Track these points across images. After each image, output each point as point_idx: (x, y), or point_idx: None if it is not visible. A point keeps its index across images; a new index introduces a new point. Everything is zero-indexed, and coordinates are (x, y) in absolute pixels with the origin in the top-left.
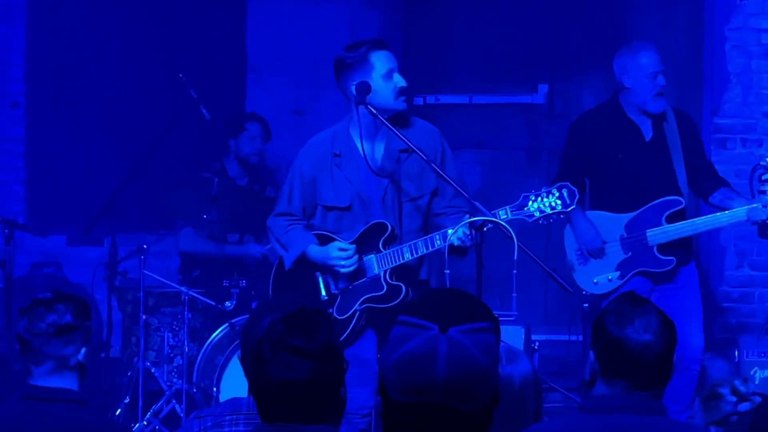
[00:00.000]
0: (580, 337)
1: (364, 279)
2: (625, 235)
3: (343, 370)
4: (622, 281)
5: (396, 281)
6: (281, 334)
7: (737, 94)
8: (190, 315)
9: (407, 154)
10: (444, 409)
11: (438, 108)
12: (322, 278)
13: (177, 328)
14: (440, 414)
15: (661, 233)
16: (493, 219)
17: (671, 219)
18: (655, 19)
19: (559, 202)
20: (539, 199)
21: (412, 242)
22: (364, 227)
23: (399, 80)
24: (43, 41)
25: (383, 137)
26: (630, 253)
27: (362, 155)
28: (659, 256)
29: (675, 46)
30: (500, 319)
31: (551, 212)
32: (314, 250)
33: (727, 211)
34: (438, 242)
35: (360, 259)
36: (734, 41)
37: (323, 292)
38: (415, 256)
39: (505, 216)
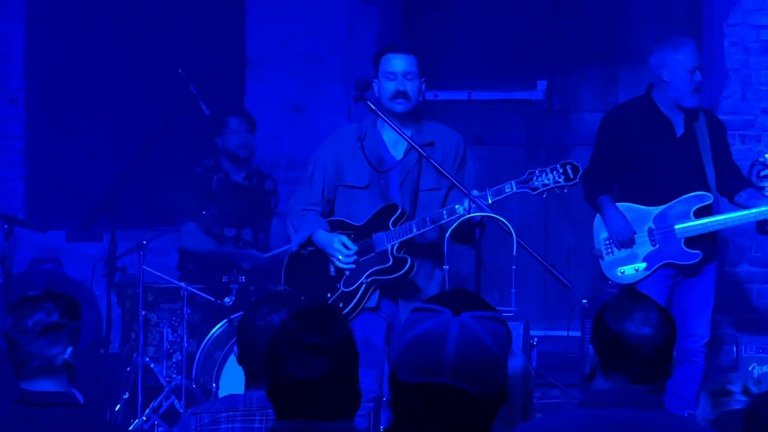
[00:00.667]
0: (579, 333)
1: (372, 254)
2: (654, 228)
3: (358, 363)
4: (648, 272)
5: (402, 254)
6: (297, 332)
7: (736, 91)
8: (189, 310)
9: (431, 148)
10: (452, 391)
11: (437, 104)
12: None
13: (176, 324)
14: (449, 395)
15: (689, 227)
16: (493, 215)
17: (699, 214)
18: (654, 15)
19: (562, 176)
20: (543, 174)
21: (419, 218)
22: (378, 208)
23: (400, 84)
24: (42, 37)
25: (407, 130)
26: (657, 245)
27: (385, 143)
28: (686, 249)
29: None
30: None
31: (554, 186)
32: (320, 235)
33: (754, 209)
34: (445, 216)
35: (369, 237)
36: (733, 37)
37: (332, 268)
38: (422, 229)
39: (510, 189)
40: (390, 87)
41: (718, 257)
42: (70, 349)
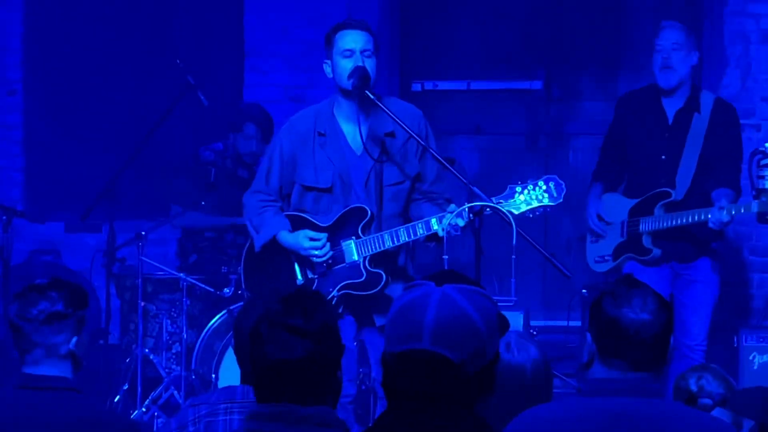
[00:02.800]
0: (579, 323)
1: (343, 264)
2: (626, 220)
3: (341, 352)
4: (614, 263)
5: (375, 268)
6: (279, 313)
7: (735, 79)
8: (188, 301)
9: (391, 138)
10: (432, 357)
11: (436, 94)
12: (298, 262)
13: (175, 315)
14: (429, 362)
15: (651, 221)
16: (493, 204)
17: (666, 209)
18: (654, 2)
19: (546, 195)
20: (526, 191)
21: (393, 230)
22: (343, 210)
23: (358, 61)
24: (40, 27)
25: (367, 120)
26: (625, 238)
27: (346, 137)
28: (645, 245)
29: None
30: (499, 304)
31: (537, 205)
32: (285, 236)
33: (697, 210)
34: (420, 230)
35: (337, 244)
36: (733, 26)
37: (299, 277)
38: (396, 244)
39: (489, 210)
40: (347, 65)
41: (719, 250)
42: (74, 339)
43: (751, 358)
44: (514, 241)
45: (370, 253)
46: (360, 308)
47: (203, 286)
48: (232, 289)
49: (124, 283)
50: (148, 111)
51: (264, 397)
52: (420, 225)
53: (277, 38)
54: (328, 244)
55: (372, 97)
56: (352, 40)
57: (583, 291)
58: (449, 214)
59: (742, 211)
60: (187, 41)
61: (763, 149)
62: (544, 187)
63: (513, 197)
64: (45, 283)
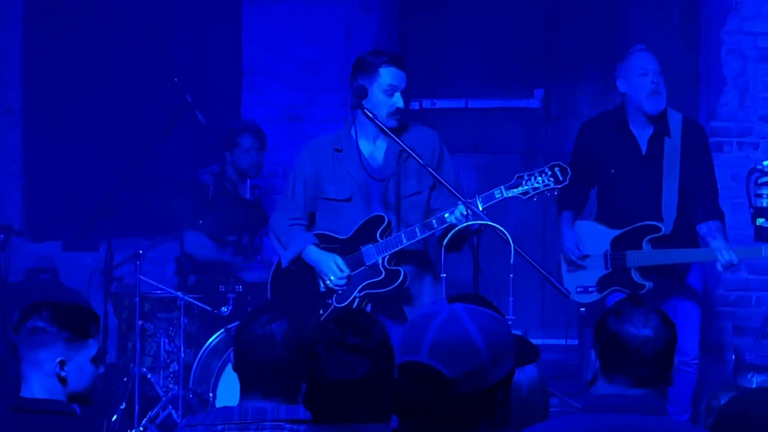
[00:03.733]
0: (577, 341)
1: (363, 267)
2: (609, 251)
3: (395, 367)
4: (600, 295)
5: (394, 266)
6: (336, 333)
7: (733, 98)
8: (186, 320)
9: (407, 154)
10: (427, 370)
11: (434, 112)
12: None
13: (173, 334)
14: (423, 374)
15: (638, 257)
16: (490, 223)
17: (653, 243)
18: (651, 22)
19: (552, 179)
20: (532, 178)
21: (409, 228)
22: (363, 220)
23: (398, 100)
24: (39, 46)
25: (383, 139)
26: (610, 270)
27: (363, 153)
28: (635, 278)
29: (670, 49)
30: None
31: (544, 189)
32: (312, 251)
33: (697, 250)
34: (435, 224)
35: (357, 250)
36: (730, 44)
37: (322, 284)
38: (412, 240)
39: (500, 195)
40: (389, 102)
41: (713, 265)
42: (60, 361)
43: (749, 376)
44: (512, 260)
45: (388, 252)
46: (388, 305)
47: (201, 305)
48: (230, 307)
49: (122, 301)
50: (145, 130)
51: (323, 418)
52: (433, 219)
53: (275, 57)
54: (345, 280)
55: (371, 115)
56: (399, 78)
57: (581, 309)
58: (461, 206)
59: (750, 255)
60: (185, 60)
61: (761, 167)
62: (549, 173)
63: (520, 184)
64: (43, 300)
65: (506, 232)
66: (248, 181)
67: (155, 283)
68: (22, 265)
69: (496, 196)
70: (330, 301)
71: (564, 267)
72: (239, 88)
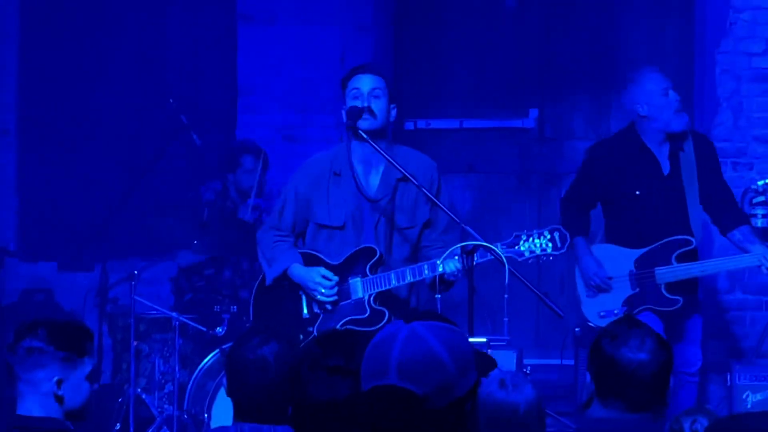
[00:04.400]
0: (572, 362)
1: (348, 301)
2: (634, 271)
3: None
4: None
5: (379, 306)
6: (319, 354)
7: (728, 118)
8: (181, 341)
9: (405, 183)
10: (398, 391)
11: (429, 132)
12: (306, 296)
13: (168, 354)
14: (395, 396)
15: (670, 272)
16: (485, 244)
17: (681, 258)
18: (645, 43)
19: (550, 244)
20: (530, 239)
21: (399, 269)
22: (353, 250)
23: (365, 101)
24: (34, 68)
25: (381, 163)
26: (638, 289)
27: (359, 178)
28: (666, 294)
29: (665, 69)
30: (492, 343)
31: (541, 254)
32: (297, 269)
33: (737, 257)
34: (426, 272)
35: (345, 281)
36: (724, 65)
37: (305, 310)
38: (401, 282)
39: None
40: (355, 104)
41: (711, 283)
42: (58, 380)
43: (744, 396)
44: (506, 281)
45: (376, 290)
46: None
47: (196, 325)
48: (225, 328)
49: (117, 322)
50: (141, 150)
51: None
52: (425, 266)
53: (270, 78)
54: (336, 288)
55: (365, 136)
56: (362, 82)
57: (576, 330)
58: (455, 257)
59: None
60: (181, 81)
61: (756, 187)
62: (549, 236)
63: (518, 243)
64: (38, 320)
65: (501, 253)
66: (249, 201)
67: (150, 304)
68: (17, 286)
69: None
70: (311, 329)
71: (583, 293)
72: (234, 108)
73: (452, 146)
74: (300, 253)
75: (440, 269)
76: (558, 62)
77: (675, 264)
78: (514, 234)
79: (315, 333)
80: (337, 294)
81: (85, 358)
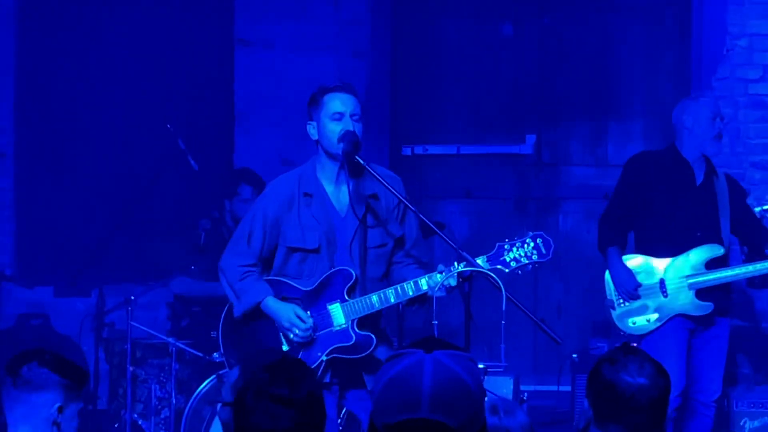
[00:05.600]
0: (570, 388)
1: (329, 329)
2: (665, 279)
3: (324, 420)
4: (659, 323)
5: (364, 331)
6: (265, 382)
7: (725, 144)
8: (177, 366)
9: (375, 200)
10: (431, 425)
11: (426, 158)
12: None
13: (164, 380)
14: (430, 429)
15: (701, 279)
16: (481, 269)
17: (711, 266)
18: (643, 69)
19: (534, 252)
20: (515, 248)
21: (381, 291)
22: (326, 273)
23: (347, 125)
24: (31, 92)
25: (346, 180)
26: (669, 297)
27: (330, 198)
28: (698, 301)
29: (662, 96)
30: (489, 369)
31: (527, 262)
32: (271, 303)
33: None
34: (410, 291)
35: (323, 308)
36: (721, 91)
37: (284, 342)
38: (384, 305)
39: (480, 266)
40: (336, 128)
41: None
42: (59, 407)
43: (742, 423)
44: (503, 306)
45: (358, 315)
46: (348, 372)
47: (192, 351)
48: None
49: (113, 347)
50: (138, 175)
51: None
52: (409, 285)
53: (267, 103)
54: (311, 331)
55: (362, 162)
56: (342, 103)
57: (574, 356)
58: (439, 275)
59: None
60: (178, 105)
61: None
62: (532, 244)
63: (502, 255)
64: (43, 348)
65: (498, 279)
66: None
67: (146, 329)
68: (14, 311)
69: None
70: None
71: (614, 302)
72: (232, 133)
73: (449, 172)
74: (267, 280)
75: (424, 288)
76: (555, 88)
77: (706, 271)
78: (497, 245)
79: None
80: (314, 323)
81: (81, 392)
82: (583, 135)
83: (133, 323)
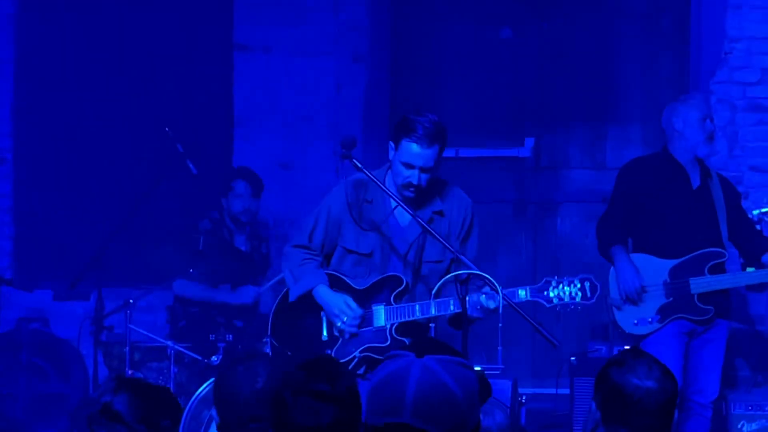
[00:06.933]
0: (568, 391)
1: (369, 328)
2: (669, 281)
3: (361, 415)
4: (660, 325)
5: (401, 336)
6: (303, 379)
7: (723, 147)
8: (176, 369)
9: (439, 216)
10: (414, 431)
11: None
12: (327, 319)
13: (163, 383)
14: None
15: (703, 283)
16: (479, 273)
17: (713, 270)
18: (641, 72)
19: (579, 293)
20: (560, 286)
21: (425, 302)
22: (380, 276)
23: (414, 178)
24: (30, 96)
25: (419, 196)
26: (671, 299)
27: (391, 212)
28: (699, 304)
29: (661, 100)
30: (486, 372)
31: (569, 302)
32: (324, 291)
33: None
34: (451, 307)
35: (368, 307)
36: (720, 94)
37: (325, 332)
38: (425, 315)
39: (525, 296)
40: (404, 174)
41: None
42: None
43: (740, 426)
44: (500, 309)
45: (398, 320)
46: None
47: (191, 353)
48: (220, 356)
49: (112, 351)
50: (137, 179)
51: None
52: (451, 301)
53: (266, 107)
54: (358, 321)
55: (359, 165)
56: (417, 156)
57: (572, 359)
58: (482, 295)
59: None
60: (177, 109)
61: (751, 217)
62: (579, 285)
63: (547, 290)
64: (124, 380)
65: (495, 282)
66: (247, 229)
67: (145, 332)
68: (13, 315)
69: (520, 295)
70: (330, 352)
71: (617, 301)
72: (231, 137)
73: (448, 175)
74: (326, 273)
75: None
76: (554, 92)
77: (708, 275)
78: (544, 279)
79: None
80: (359, 319)
81: None
82: (582, 139)
83: (131, 326)
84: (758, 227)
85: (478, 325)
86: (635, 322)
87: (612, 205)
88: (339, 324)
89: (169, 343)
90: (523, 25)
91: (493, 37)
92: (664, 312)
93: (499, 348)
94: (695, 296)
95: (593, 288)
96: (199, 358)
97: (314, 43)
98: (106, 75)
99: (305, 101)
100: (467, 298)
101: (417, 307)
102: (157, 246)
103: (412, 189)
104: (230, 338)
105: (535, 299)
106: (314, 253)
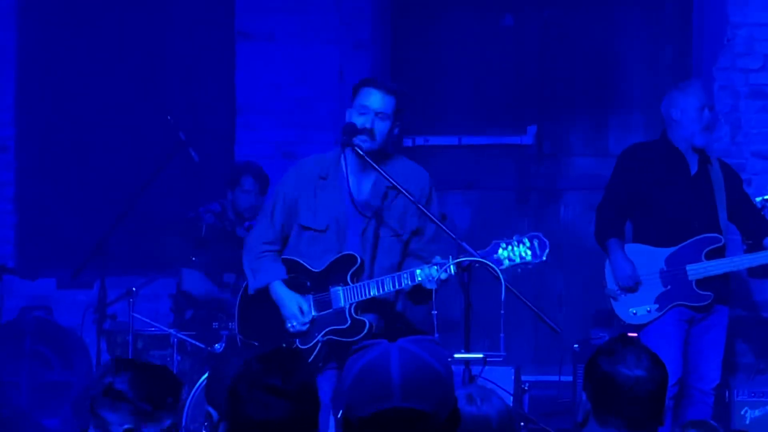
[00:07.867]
0: (571, 378)
1: (329, 311)
2: (665, 269)
3: (318, 410)
4: (660, 313)
5: (360, 316)
6: (258, 373)
7: (725, 134)
8: (179, 357)
9: (395, 191)
10: (405, 412)
11: (427, 149)
12: None
13: None
14: (403, 418)
15: (700, 269)
16: (481, 259)
17: (710, 255)
18: (643, 59)
19: (529, 252)
20: (510, 247)
21: (379, 278)
22: (335, 257)
23: (368, 122)
24: (32, 85)
25: (372, 172)
26: (669, 287)
27: (349, 184)
28: (697, 290)
29: (662, 86)
30: (489, 359)
31: (519, 262)
32: (278, 288)
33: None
34: (405, 280)
35: (326, 289)
36: (722, 81)
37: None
38: (381, 293)
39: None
40: (358, 121)
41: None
42: (126, 426)
43: (743, 413)
44: (503, 296)
45: (356, 300)
46: (346, 355)
47: (194, 342)
48: (223, 344)
49: (115, 339)
50: (139, 167)
51: None
52: (405, 275)
53: (268, 95)
54: (308, 325)
55: (362, 152)
56: (372, 99)
57: (575, 346)
58: (434, 266)
59: None
60: (179, 98)
61: (755, 203)
62: (528, 244)
63: (496, 252)
64: (125, 361)
65: (497, 269)
66: (246, 223)
67: (148, 321)
68: (16, 304)
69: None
70: (296, 341)
71: (614, 292)
72: (233, 125)
73: (451, 163)
74: (283, 259)
75: (419, 278)
76: (556, 79)
77: (705, 261)
78: (492, 241)
79: (298, 344)
80: (318, 303)
81: (162, 412)
82: (584, 126)
83: (134, 315)
84: (762, 214)
85: (481, 312)
86: (633, 312)
87: (610, 190)
88: (288, 327)
89: (172, 331)
90: (525, 12)
91: (495, 25)
92: (662, 300)
93: (502, 335)
94: (693, 283)
95: (542, 245)
96: (202, 346)
97: (316, 31)
98: (109, 63)
99: (307, 89)
100: (420, 271)
101: (372, 284)
102: (160, 234)
103: (365, 135)
104: (233, 326)
105: (488, 261)
106: (273, 239)
